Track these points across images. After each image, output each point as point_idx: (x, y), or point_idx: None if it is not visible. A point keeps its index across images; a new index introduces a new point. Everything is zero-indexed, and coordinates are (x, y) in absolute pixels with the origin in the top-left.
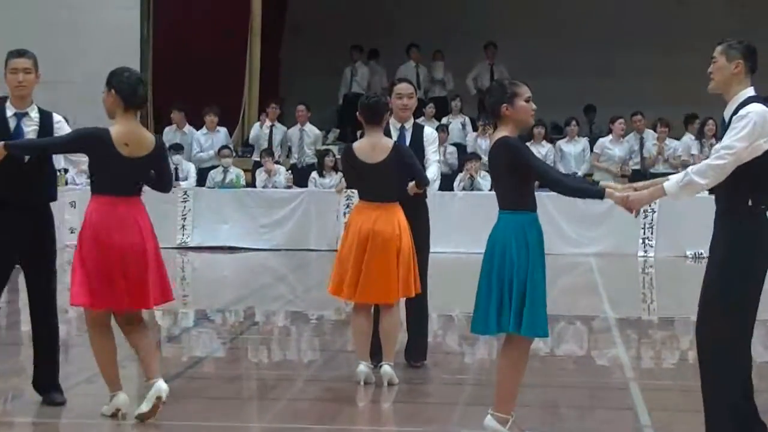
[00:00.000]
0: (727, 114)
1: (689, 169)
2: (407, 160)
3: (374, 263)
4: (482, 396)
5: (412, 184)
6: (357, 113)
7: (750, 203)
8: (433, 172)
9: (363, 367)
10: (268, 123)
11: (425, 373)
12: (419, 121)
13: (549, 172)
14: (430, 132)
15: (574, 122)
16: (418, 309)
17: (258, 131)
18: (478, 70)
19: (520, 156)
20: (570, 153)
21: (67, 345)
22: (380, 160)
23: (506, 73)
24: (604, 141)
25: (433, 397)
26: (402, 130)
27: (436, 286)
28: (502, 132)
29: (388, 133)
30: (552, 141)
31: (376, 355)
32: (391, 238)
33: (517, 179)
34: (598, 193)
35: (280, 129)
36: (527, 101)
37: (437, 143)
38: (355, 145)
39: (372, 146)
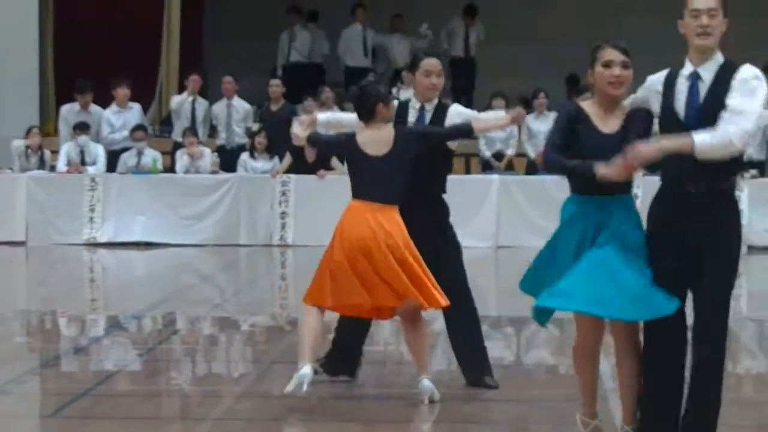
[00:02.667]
0: (706, 73)
1: (722, 127)
2: (413, 137)
3: (379, 270)
4: (442, 413)
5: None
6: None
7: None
8: (482, 115)
9: (307, 369)
10: (189, 97)
11: (372, 389)
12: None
13: None
14: (455, 108)
15: (542, 94)
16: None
17: (178, 106)
18: (451, 26)
19: None
20: (539, 131)
21: None
22: (384, 153)
23: (482, 36)
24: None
25: (453, 416)
26: (422, 110)
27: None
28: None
29: (404, 117)
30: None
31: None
32: (395, 243)
33: None
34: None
35: (203, 104)
36: (606, 66)
37: (468, 111)
38: (359, 137)
39: (376, 138)
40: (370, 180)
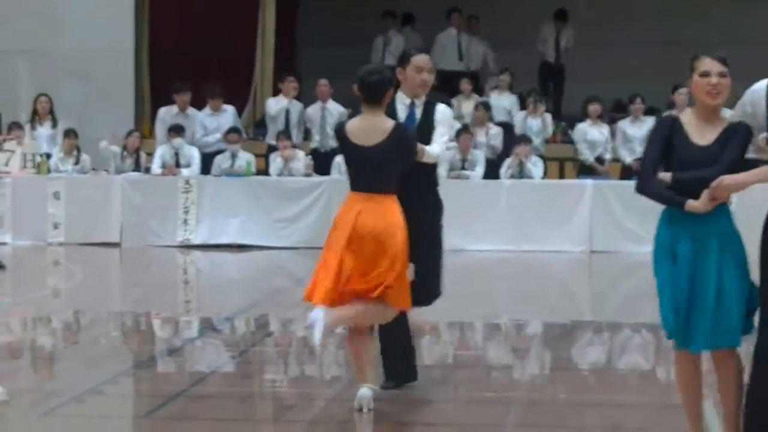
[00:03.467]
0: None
1: None
2: (407, 142)
3: (355, 263)
4: (533, 416)
5: (420, 148)
6: (355, 87)
7: None
8: (435, 149)
9: (366, 390)
10: (284, 100)
11: (466, 391)
12: (455, 99)
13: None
14: (443, 110)
15: (638, 99)
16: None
17: (272, 109)
18: (544, 35)
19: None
20: (634, 136)
21: (52, 358)
22: (375, 144)
23: (573, 42)
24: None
25: (476, 418)
26: (412, 107)
27: (480, 290)
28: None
29: (393, 111)
30: (613, 121)
31: (391, 373)
32: (377, 235)
33: None
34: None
35: (297, 107)
36: (703, 75)
37: (449, 124)
38: (348, 124)
39: (368, 127)
40: (361, 170)
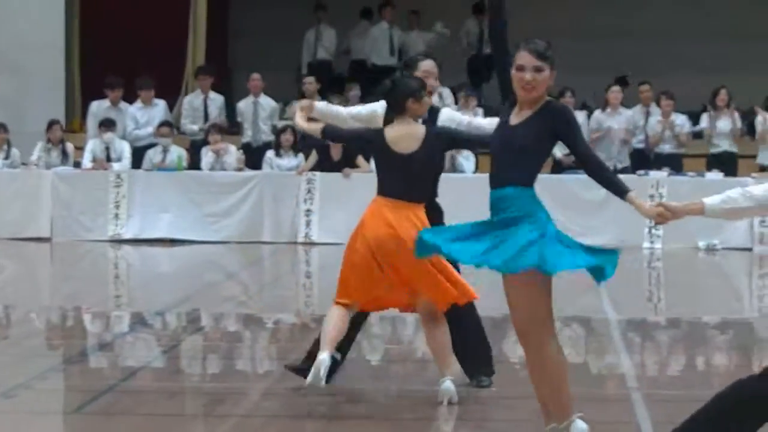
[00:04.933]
0: None
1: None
2: (447, 138)
3: (396, 268)
4: (463, 411)
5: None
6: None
7: None
8: (485, 121)
9: (325, 355)
10: (201, 95)
11: (398, 385)
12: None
13: None
14: (446, 111)
15: (569, 93)
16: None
17: (190, 104)
18: (467, 27)
19: None
20: None
21: None
22: (412, 151)
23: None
24: (598, 113)
25: (408, 412)
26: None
27: None
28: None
29: None
30: None
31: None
32: (407, 244)
33: None
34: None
35: (216, 101)
36: (519, 69)
37: (460, 114)
38: (388, 130)
39: (402, 135)
40: (396, 177)
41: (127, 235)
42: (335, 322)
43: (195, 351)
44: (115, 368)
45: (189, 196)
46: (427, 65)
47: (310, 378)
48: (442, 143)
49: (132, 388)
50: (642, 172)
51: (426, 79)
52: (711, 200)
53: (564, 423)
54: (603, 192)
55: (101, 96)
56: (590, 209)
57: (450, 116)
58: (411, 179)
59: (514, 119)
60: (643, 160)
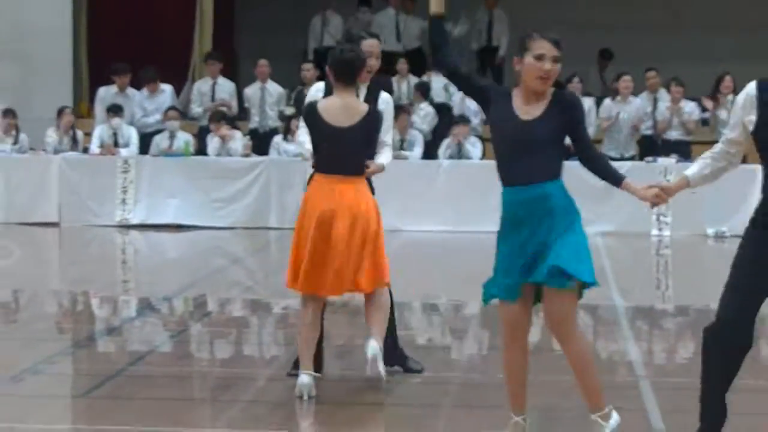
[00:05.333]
0: None
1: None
2: (378, 128)
3: (340, 248)
4: (471, 397)
5: (372, 163)
6: (327, 67)
7: None
8: (386, 157)
9: (305, 378)
10: (211, 81)
11: (404, 371)
12: (393, 79)
13: None
14: (386, 99)
15: (576, 79)
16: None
17: (198, 90)
18: (478, 16)
19: None
20: None
21: None
22: (350, 125)
23: (506, 21)
24: (609, 102)
25: (414, 399)
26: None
27: (418, 270)
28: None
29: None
30: None
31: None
32: (358, 217)
33: None
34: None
35: (224, 86)
36: (538, 59)
37: (392, 118)
38: (321, 103)
39: (342, 107)
40: (335, 151)
41: (135, 221)
42: (306, 329)
43: (202, 336)
44: (122, 353)
45: (196, 182)
46: (368, 44)
47: (297, 394)
48: (376, 128)
49: (139, 373)
50: (650, 158)
51: (368, 59)
52: (691, 171)
53: (601, 412)
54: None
55: (109, 82)
56: (599, 196)
57: (386, 105)
58: (349, 153)
59: (524, 113)
60: (652, 146)
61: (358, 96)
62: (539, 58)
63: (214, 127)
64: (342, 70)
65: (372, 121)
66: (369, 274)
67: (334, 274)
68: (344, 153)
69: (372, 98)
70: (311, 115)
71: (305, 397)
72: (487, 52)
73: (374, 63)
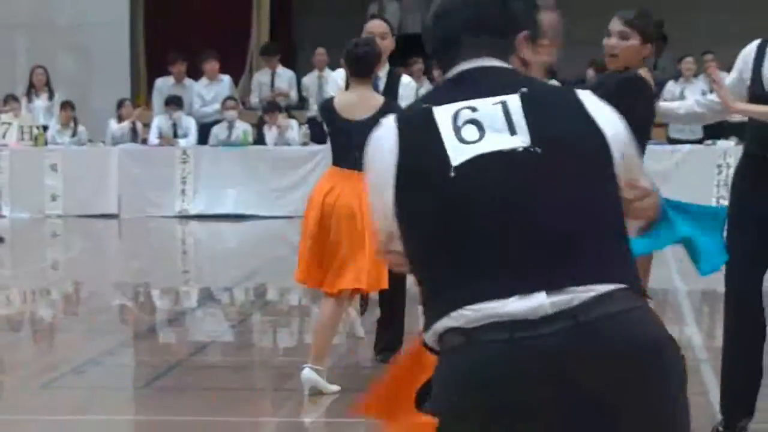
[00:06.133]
0: None
1: None
2: None
3: (340, 243)
4: None
5: None
6: (342, 61)
7: None
8: None
9: (308, 372)
10: (268, 70)
11: None
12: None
13: None
14: (407, 83)
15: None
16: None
17: (257, 81)
18: None
19: None
20: None
21: (52, 330)
22: (364, 118)
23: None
24: (672, 83)
25: None
26: (375, 78)
27: None
28: None
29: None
30: None
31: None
32: (351, 215)
33: None
34: None
35: (283, 76)
36: (606, 35)
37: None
38: (337, 98)
39: (357, 101)
40: (348, 145)
41: (194, 211)
42: (321, 323)
43: (262, 325)
44: (183, 343)
45: (255, 172)
46: (372, 26)
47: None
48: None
49: (201, 363)
50: (710, 142)
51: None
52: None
53: None
54: (670, 162)
55: (166, 73)
56: (655, 176)
57: (407, 83)
58: (358, 147)
59: None
60: (714, 129)
61: (377, 81)
62: (607, 34)
63: (269, 117)
64: (356, 64)
65: (387, 113)
66: (368, 273)
67: (333, 269)
68: (354, 147)
69: (393, 83)
70: (326, 110)
71: (306, 393)
72: None
73: (384, 43)
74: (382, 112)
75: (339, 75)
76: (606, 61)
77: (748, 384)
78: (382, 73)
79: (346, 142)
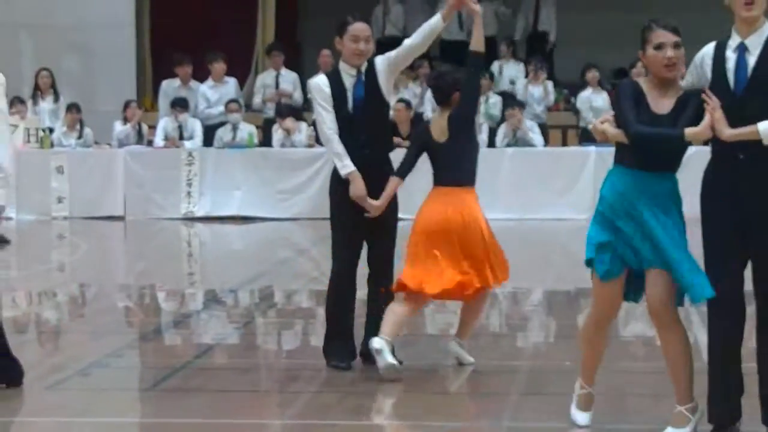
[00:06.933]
0: (753, 45)
1: None
2: (465, 119)
3: (459, 254)
4: (538, 384)
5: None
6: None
7: None
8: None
9: (375, 341)
10: (272, 72)
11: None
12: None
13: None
14: (380, 59)
15: (640, 64)
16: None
17: (262, 82)
18: (527, 3)
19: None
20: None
21: (57, 331)
22: (445, 140)
23: (554, 9)
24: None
25: (482, 387)
26: (358, 75)
27: None
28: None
29: (340, 83)
30: (614, 87)
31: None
32: (469, 224)
33: None
34: (678, 136)
35: (288, 77)
36: (658, 48)
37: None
38: (433, 120)
39: (441, 124)
40: (441, 165)
41: (200, 213)
42: (394, 311)
43: (268, 327)
44: (189, 345)
45: (260, 174)
46: (356, 29)
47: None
48: (462, 126)
49: (206, 365)
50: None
51: (355, 43)
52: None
53: (689, 405)
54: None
55: (172, 75)
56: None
57: (384, 59)
58: (451, 165)
59: (656, 106)
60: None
61: (360, 77)
62: (659, 47)
63: (281, 120)
64: (435, 93)
65: (456, 128)
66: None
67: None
68: (449, 166)
69: (371, 72)
70: (423, 134)
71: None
72: (536, 39)
73: (363, 47)
74: (452, 128)
75: (320, 80)
76: (662, 71)
77: (734, 388)
78: (363, 68)
79: (440, 162)
